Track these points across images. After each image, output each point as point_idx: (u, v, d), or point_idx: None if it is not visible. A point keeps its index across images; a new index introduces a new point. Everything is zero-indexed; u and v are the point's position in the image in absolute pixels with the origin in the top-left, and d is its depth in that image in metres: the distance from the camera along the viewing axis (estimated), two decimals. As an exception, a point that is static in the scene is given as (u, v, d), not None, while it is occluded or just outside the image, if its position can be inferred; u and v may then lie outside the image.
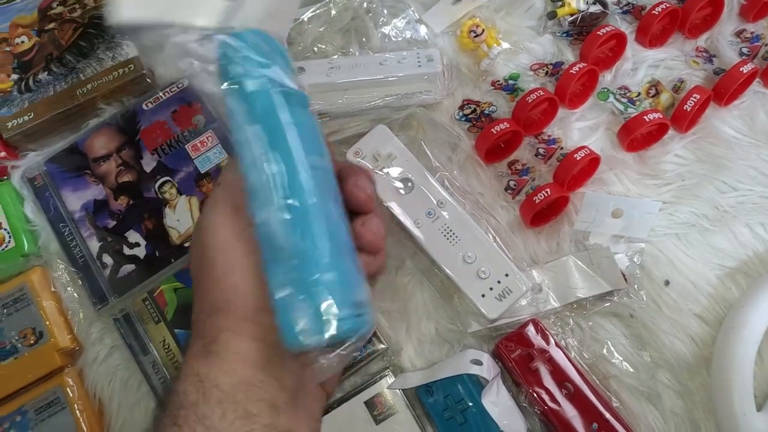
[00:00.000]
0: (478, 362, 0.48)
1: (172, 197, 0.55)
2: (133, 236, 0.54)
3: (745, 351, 0.47)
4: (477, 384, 0.48)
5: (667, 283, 0.52)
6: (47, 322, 0.53)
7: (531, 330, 0.49)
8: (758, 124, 0.56)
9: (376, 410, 0.48)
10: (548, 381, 0.48)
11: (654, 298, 0.51)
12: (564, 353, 0.49)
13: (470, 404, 0.47)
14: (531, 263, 0.53)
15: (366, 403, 0.49)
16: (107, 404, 0.52)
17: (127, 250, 0.54)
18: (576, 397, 0.47)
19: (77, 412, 0.51)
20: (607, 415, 0.47)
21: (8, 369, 0.51)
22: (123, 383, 0.52)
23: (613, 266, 0.51)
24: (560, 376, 0.48)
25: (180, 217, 0.55)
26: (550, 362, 0.48)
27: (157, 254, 0.54)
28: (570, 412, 0.47)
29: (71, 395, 0.51)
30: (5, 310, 0.53)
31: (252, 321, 0.33)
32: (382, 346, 0.51)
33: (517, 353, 0.49)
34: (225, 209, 0.35)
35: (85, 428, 0.50)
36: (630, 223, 0.53)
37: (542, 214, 0.54)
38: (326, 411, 0.49)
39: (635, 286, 0.51)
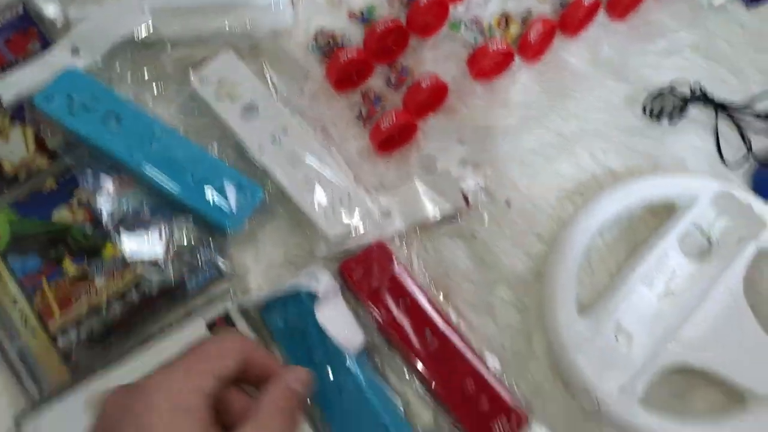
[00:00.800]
0: (316, 278, 0.48)
1: (4, 127, 0.52)
2: (-37, 166, 0.52)
3: (570, 262, 0.49)
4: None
5: (508, 204, 0.53)
6: None
7: (374, 251, 0.50)
8: (602, 56, 0.58)
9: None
10: (387, 297, 0.49)
11: (496, 220, 0.53)
12: (407, 272, 0.50)
13: (309, 322, 0.47)
14: (380, 189, 0.54)
15: (208, 325, 0.48)
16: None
17: (-44, 180, 0.51)
18: (412, 310, 0.48)
19: None
20: (441, 324, 0.48)
21: None
22: (-48, 317, 0.50)
23: (455, 189, 0.52)
24: (399, 293, 0.49)
25: (13, 147, 0.52)
26: (391, 281, 0.49)
27: (-10, 184, 0.51)
28: (404, 321, 0.48)
29: None
30: None
31: None
32: (228, 270, 0.50)
33: (359, 273, 0.50)
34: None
35: None
36: (475, 149, 0.54)
37: (392, 141, 0.54)
38: (162, 333, 0.48)
39: (478, 208, 0.53)
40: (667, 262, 0.51)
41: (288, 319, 0.48)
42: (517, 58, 0.57)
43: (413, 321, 0.48)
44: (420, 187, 0.52)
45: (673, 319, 0.49)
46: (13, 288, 0.49)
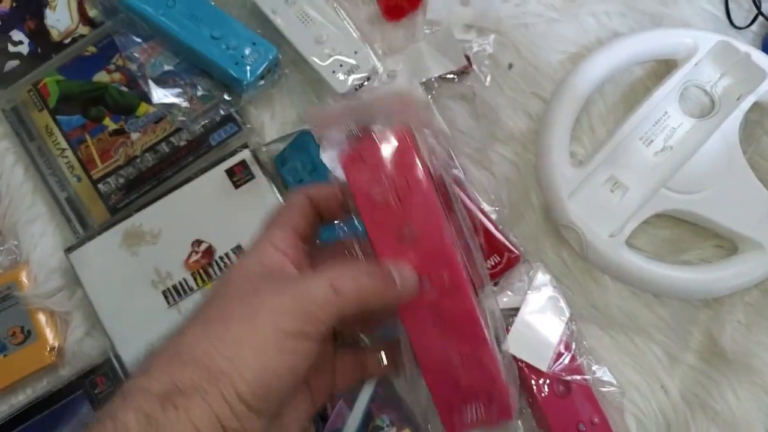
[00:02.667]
0: None
1: (52, -2, 0.58)
2: (16, 35, 0.58)
3: (566, 110, 0.51)
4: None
5: (510, 66, 0.55)
6: (35, 322, 0.53)
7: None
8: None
9: (235, 177, 0.53)
10: None
11: (498, 82, 0.55)
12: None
13: (317, 166, 0.52)
14: (388, 53, 0.57)
15: (227, 171, 0.53)
16: (-3, 183, 0.57)
17: (11, 48, 0.58)
18: None
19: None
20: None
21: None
22: (11, 165, 0.57)
23: (458, 50, 0.54)
24: None
25: (60, 17, 0.58)
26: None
27: (39, 51, 0.58)
28: None
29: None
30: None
31: (228, 406, 0.27)
32: (246, 126, 0.55)
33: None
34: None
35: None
36: (479, 12, 0.56)
37: (399, 6, 0.57)
38: (187, 180, 0.54)
39: (481, 70, 0.55)
40: (667, 121, 0.52)
41: (299, 168, 0.53)
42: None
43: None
44: (425, 48, 0.55)
45: (668, 171, 0.50)
46: (62, 141, 0.56)
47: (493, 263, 0.50)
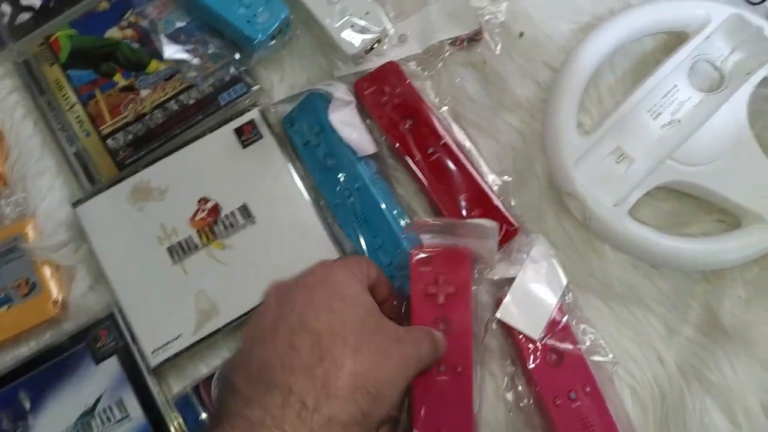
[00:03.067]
0: (330, 84, 0.52)
1: (65, -48, 0.58)
2: (29, -12, 0.58)
3: (574, 80, 0.51)
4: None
5: (521, 34, 0.55)
6: (40, 274, 0.54)
7: (388, 70, 0.54)
8: None
9: (244, 136, 0.53)
10: (395, 113, 0.53)
11: (508, 50, 0.55)
12: (416, 92, 0.53)
13: (325, 127, 0.52)
14: (399, 16, 0.57)
15: (235, 130, 0.54)
16: (7, 135, 0.57)
17: (23, 1, 0.58)
18: (419, 125, 0.52)
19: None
20: (447, 139, 0.52)
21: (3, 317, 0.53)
22: (21, 118, 0.58)
23: (471, 16, 0.54)
24: (409, 109, 0.53)
25: (73, -29, 0.58)
26: (400, 97, 0.53)
27: (51, 4, 0.58)
28: (410, 135, 0.52)
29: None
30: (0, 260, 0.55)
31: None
32: (256, 86, 0.55)
33: (371, 90, 0.53)
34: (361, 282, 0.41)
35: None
36: (492, -21, 0.56)
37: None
38: (195, 138, 0.54)
39: (493, 38, 0.55)
40: (676, 94, 0.52)
41: (306, 129, 0.53)
42: None
43: (419, 135, 0.52)
44: (436, 11, 0.55)
45: (675, 144, 0.50)
46: (72, 95, 0.56)
47: None
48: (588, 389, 0.46)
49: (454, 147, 0.52)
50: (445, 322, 0.46)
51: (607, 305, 0.51)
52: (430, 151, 0.52)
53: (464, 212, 0.51)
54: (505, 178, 0.53)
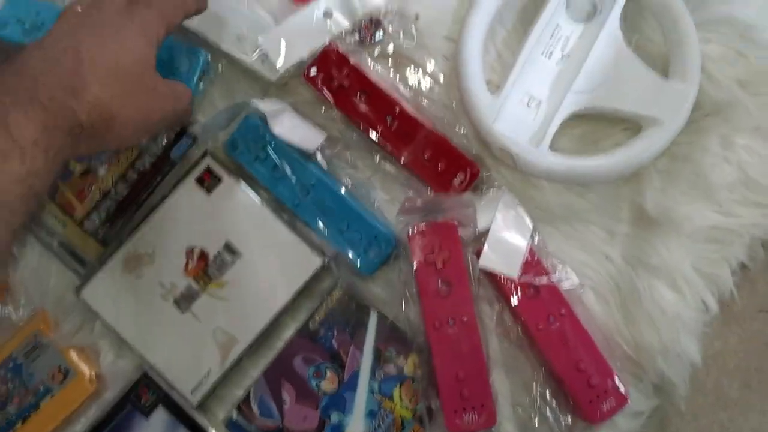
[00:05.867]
0: (261, 103, 0.58)
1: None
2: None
3: (472, 50, 0.57)
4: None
5: (417, 17, 0.61)
6: (69, 359, 0.59)
7: (329, 53, 0.59)
8: None
9: (205, 183, 0.59)
10: (349, 93, 0.58)
11: (412, 34, 0.61)
12: (360, 68, 0.58)
13: (268, 139, 0.58)
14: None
15: (196, 180, 0.59)
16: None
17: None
18: (372, 99, 0.58)
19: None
20: (401, 104, 0.58)
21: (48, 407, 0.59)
22: None
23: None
24: (358, 87, 0.58)
25: None
26: (348, 76, 0.58)
27: None
28: (368, 109, 0.58)
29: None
30: (29, 358, 0.60)
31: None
32: (198, 133, 0.60)
33: (320, 76, 0.59)
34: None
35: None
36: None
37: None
38: (163, 199, 0.59)
39: (394, 25, 0.61)
40: (560, 32, 0.59)
41: (251, 148, 0.58)
42: None
43: (375, 108, 0.58)
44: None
45: (570, 75, 0.58)
46: (36, 194, 0.60)
47: (461, 180, 0.58)
48: (563, 311, 0.55)
49: (409, 109, 0.58)
50: (447, 283, 0.55)
51: (556, 228, 0.59)
52: (389, 120, 0.58)
53: (432, 166, 0.58)
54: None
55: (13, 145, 0.39)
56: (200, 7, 0.53)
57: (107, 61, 0.44)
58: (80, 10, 0.47)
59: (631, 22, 0.60)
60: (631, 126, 0.59)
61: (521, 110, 0.58)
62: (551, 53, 0.59)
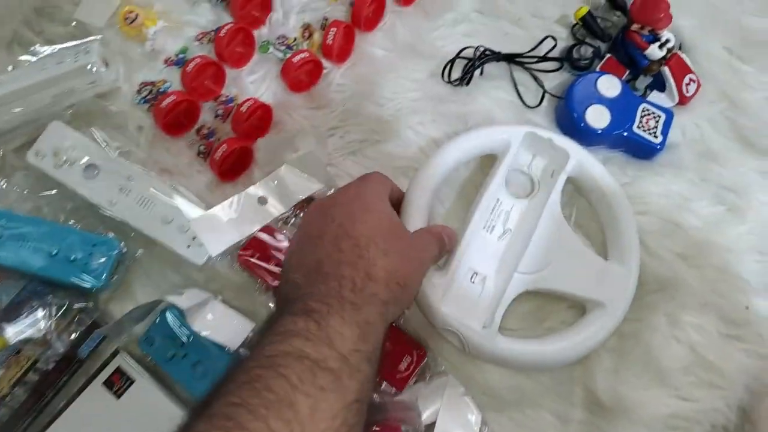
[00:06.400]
0: (180, 293, 0.53)
1: None
2: None
3: (414, 225, 0.53)
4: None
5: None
6: None
7: (262, 235, 0.56)
8: (400, 40, 0.64)
9: (115, 387, 0.52)
10: None
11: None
12: None
13: (185, 335, 0.53)
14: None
15: (104, 383, 0.52)
16: None
17: None
18: None
19: None
20: None
21: None
22: None
23: (320, 166, 0.57)
24: None
25: None
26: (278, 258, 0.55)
27: None
28: None
29: None
30: None
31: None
32: (110, 327, 0.54)
33: (256, 257, 0.55)
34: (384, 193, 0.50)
35: None
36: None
37: (233, 168, 0.59)
38: (66, 405, 0.52)
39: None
40: (501, 206, 0.58)
41: (169, 344, 0.53)
42: (327, 63, 0.62)
43: None
44: (287, 170, 0.57)
45: (514, 254, 0.55)
46: None
47: (407, 363, 0.54)
48: None
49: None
50: None
51: (505, 416, 0.55)
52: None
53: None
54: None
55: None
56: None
57: (369, 230, 0.45)
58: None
59: (568, 201, 0.59)
60: (576, 305, 0.57)
61: (467, 287, 0.55)
62: (493, 227, 0.57)
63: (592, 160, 0.58)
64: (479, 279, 0.55)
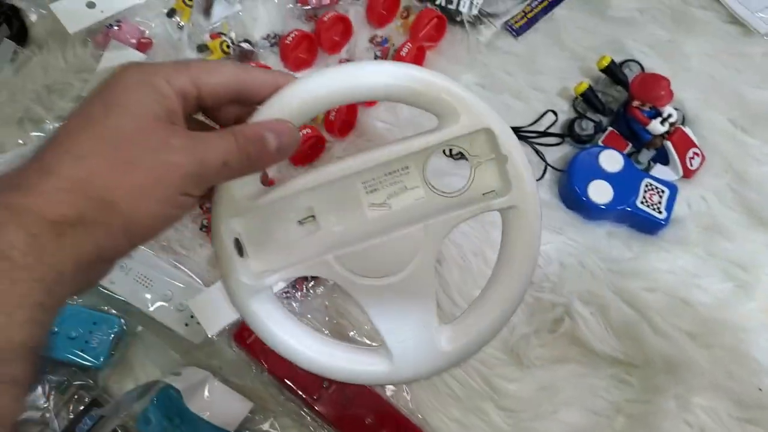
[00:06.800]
0: (177, 373, 0.53)
1: None
2: None
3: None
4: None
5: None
6: None
7: None
8: (402, 116, 0.65)
9: (111, 469, 0.51)
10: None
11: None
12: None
13: (185, 418, 0.52)
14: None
15: (102, 465, 0.52)
16: None
17: None
18: None
19: None
20: None
21: None
22: None
23: None
24: None
25: None
26: None
27: None
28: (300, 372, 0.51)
29: None
30: None
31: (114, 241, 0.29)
32: (111, 404, 0.54)
33: (251, 338, 0.55)
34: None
35: None
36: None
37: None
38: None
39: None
40: (405, 176, 0.38)
41: (165, 425, 0.52)
42: (330, 138, 0.63)
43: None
44: None
45: (365, 234, 0.37)
46: None
47: None
48: None
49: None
50: None
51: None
52: (326, 383, 0.54)
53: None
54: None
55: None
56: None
57: (75, 127, 0.32)
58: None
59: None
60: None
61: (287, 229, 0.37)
62: (375, 190, 0.38)
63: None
64: (311, 225, 0.37)
